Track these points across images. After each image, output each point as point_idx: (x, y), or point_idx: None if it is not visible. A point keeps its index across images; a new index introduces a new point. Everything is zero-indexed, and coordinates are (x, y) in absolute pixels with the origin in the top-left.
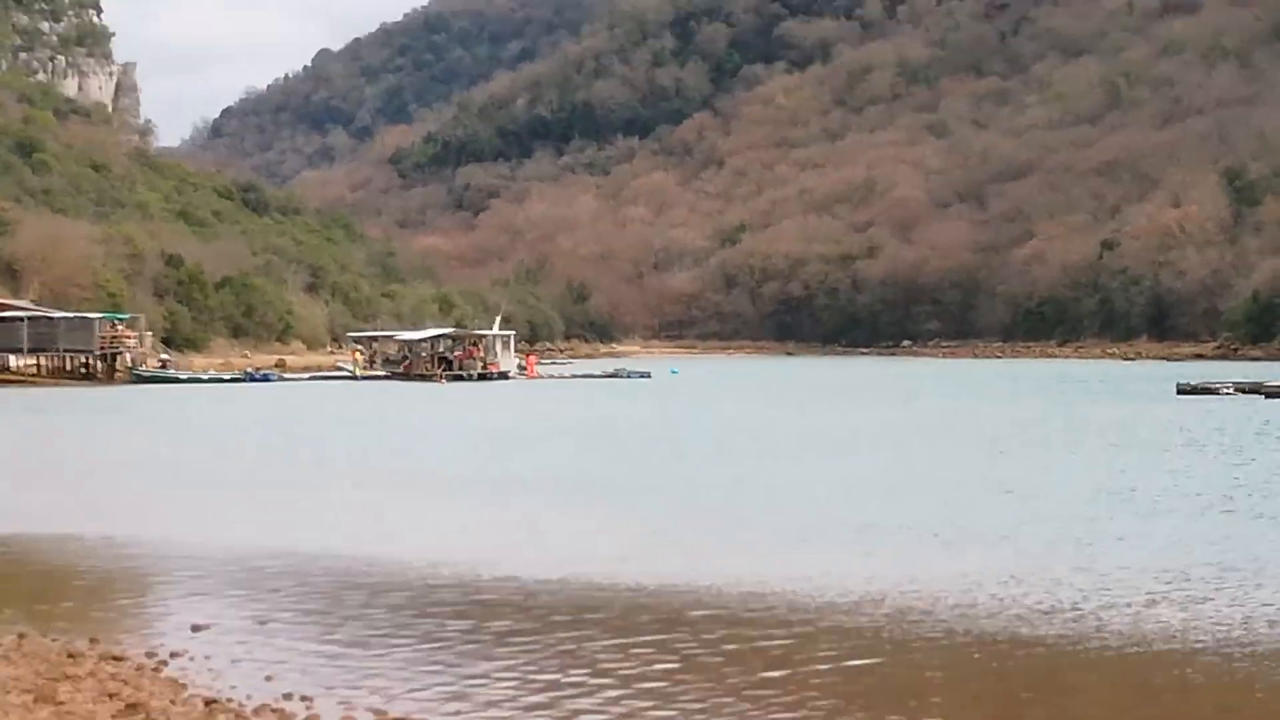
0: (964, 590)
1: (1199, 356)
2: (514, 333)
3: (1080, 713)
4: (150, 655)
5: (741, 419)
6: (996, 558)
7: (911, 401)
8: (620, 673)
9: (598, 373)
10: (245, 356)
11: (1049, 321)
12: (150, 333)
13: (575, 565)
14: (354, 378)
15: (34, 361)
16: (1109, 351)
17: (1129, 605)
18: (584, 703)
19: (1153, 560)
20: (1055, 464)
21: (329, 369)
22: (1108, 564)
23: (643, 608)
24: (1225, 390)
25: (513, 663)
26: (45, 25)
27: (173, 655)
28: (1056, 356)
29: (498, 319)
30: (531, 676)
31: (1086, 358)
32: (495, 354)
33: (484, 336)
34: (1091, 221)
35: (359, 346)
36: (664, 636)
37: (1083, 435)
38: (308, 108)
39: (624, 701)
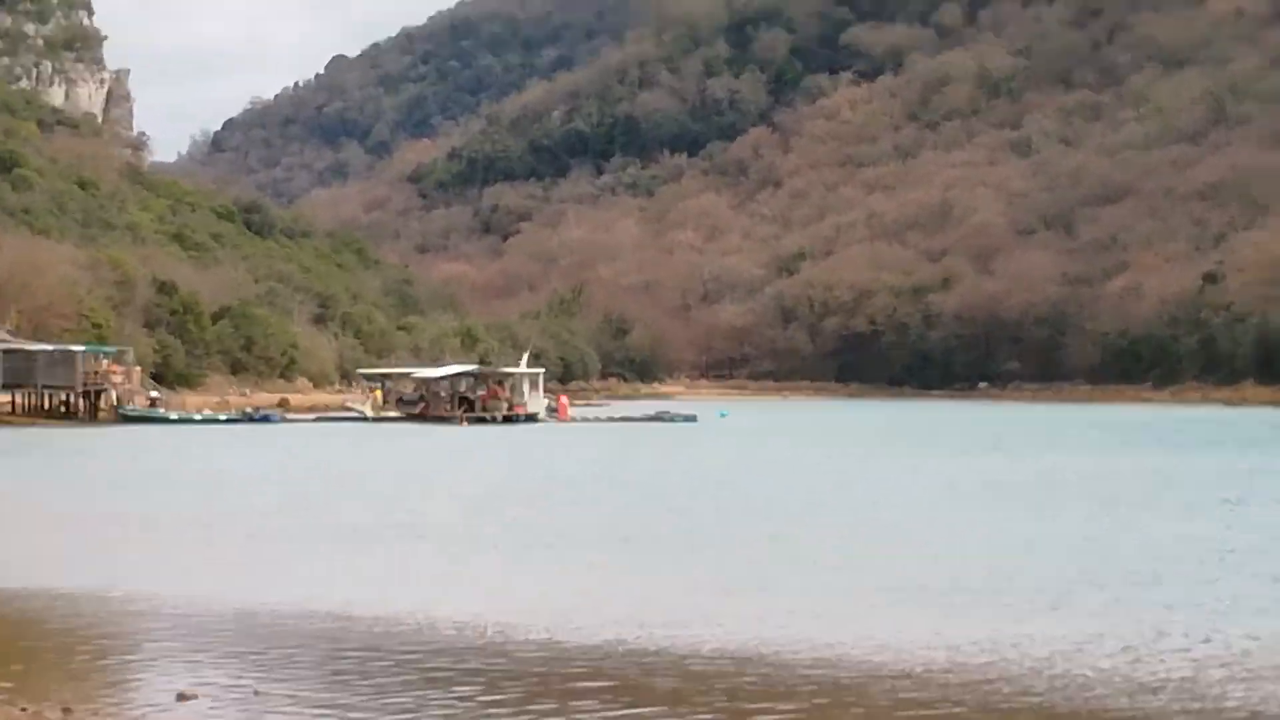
0: (1067, 659)
1: None
2: (544, 370)
3: None
4: None
5: (801, 467)
6: (1105, 623)
7: (1002, 450)
8: None
9: (638, 415)
10: (244, 395)
11: (1144, 362)
12: (139, 368)
13: (609, 628)
14: (364, 419)
15: (9, 399)
16: (1211, 396)
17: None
18: None
19: None
20: (1173, 522)
21: (338, 409)
22: (1237, 633)
23: (695, 676)
24: None
25: None
26: (30, 27)
27: None
28: (1152, 401)
29: (525, 355)
30: None
31: (1185, 402)
32: (523, 394)
33: (510, 375)
34: (1193, 251)
35: (377, 385)
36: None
37: (1198, 488)
38: (319, 120)
39: None
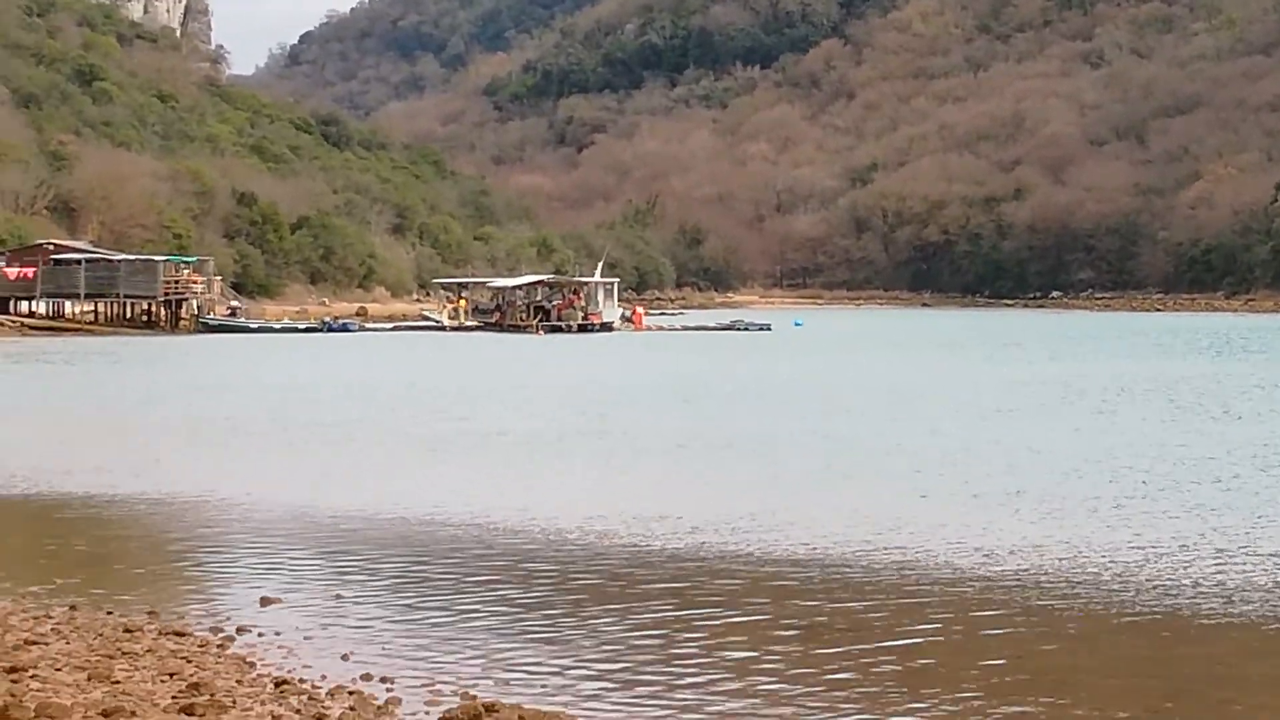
0: (1156, 565)
1: None
2: (618, 280)
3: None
4: (215, 631)
5: (881, 375)
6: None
7: (1079, 357)
8: (729, 651)
9: (712, 325)
10: (323, 304)
11: (1216, 271)
12: (219, 277)
13: (686, 533)
14: (441, 328)
15: (92, 308)
16: None
17: None
18: (689, 685)
19: None
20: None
21: (415, 318)
22: None
23: (762, 576)
24: None
25: (612, 639)
26: None
27: (239, 631)
28: (1224, 310)
29: (600, 265)
30: (633, 655)
31: (1258, 311)
32: (597, 303)
33: (585, 284)
34: (1265, 161)
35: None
36: (767, 613)
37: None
38: (395, 33)
39: (735, 682)
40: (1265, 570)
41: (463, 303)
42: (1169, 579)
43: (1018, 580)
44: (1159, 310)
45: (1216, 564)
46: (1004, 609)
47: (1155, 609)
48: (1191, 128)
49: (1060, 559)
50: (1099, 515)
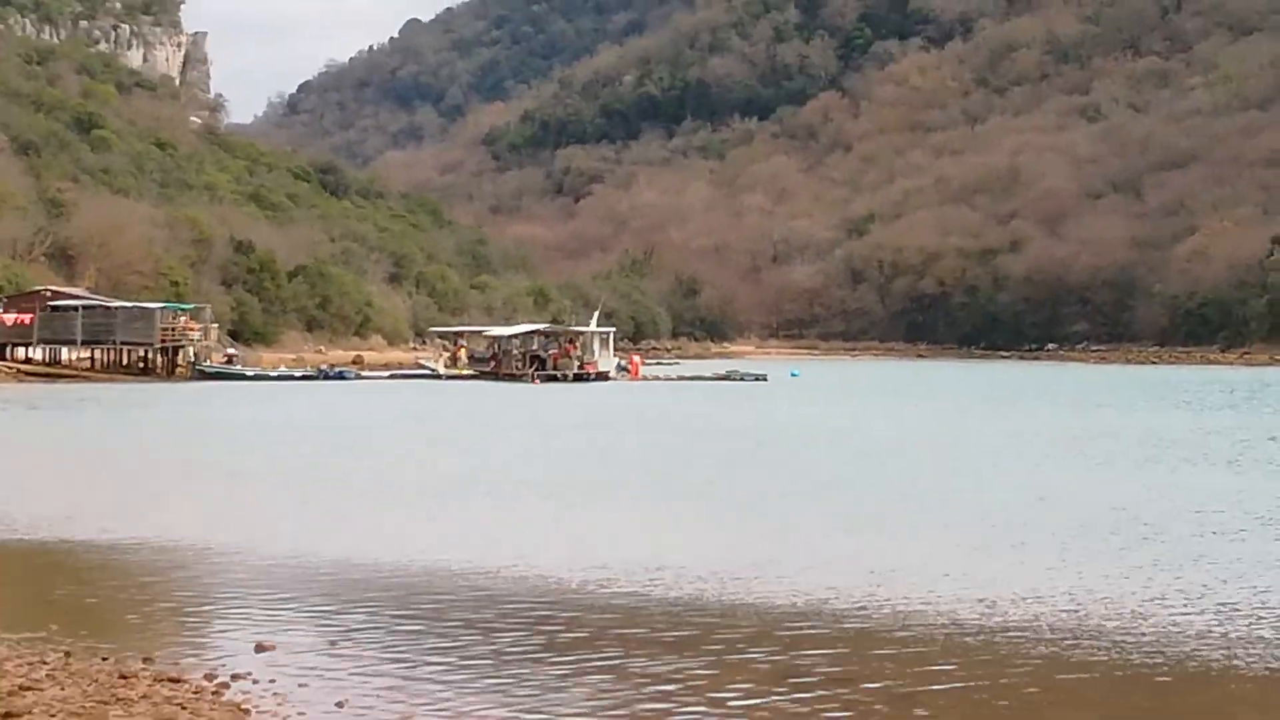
0: (1133, 614)
1: None
2: (614, 330)
3: None
4: (210, 678)
5: (882, 424)
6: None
7: (1093, 409)
8: (726, 700)
9: (708, 374)
10: (319, 352)
11: (1211, 325)
12: (216, 325)
13: (688, 582)
14: (437, 376)
15: (89, 355)
16: (1277, 358)
17: None
18: None
19: None
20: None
21: (410, 366)
22: None
23: (763, 625)
24: None
25: (608, 691)
26: None
27: (234, 678)
28: (1219, 363)
29: (596, 314)
30: (630, 705)
31: (1253, 364)
32: (593, 353)
33: (581, 333)
34: (1260, 215)
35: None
36: (773, 658)
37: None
38: (393, 83)
39: None
40: (1269, 622)
41: (462, 351)
42: (1172, 630)
43: (1019, 631)
44: (1154, 363)
45: (1220, 616)
46: (1004, 660)
47: (1157, 660)
48: (1187, 182)
49: (1063, 610)
50: (1103, 565)
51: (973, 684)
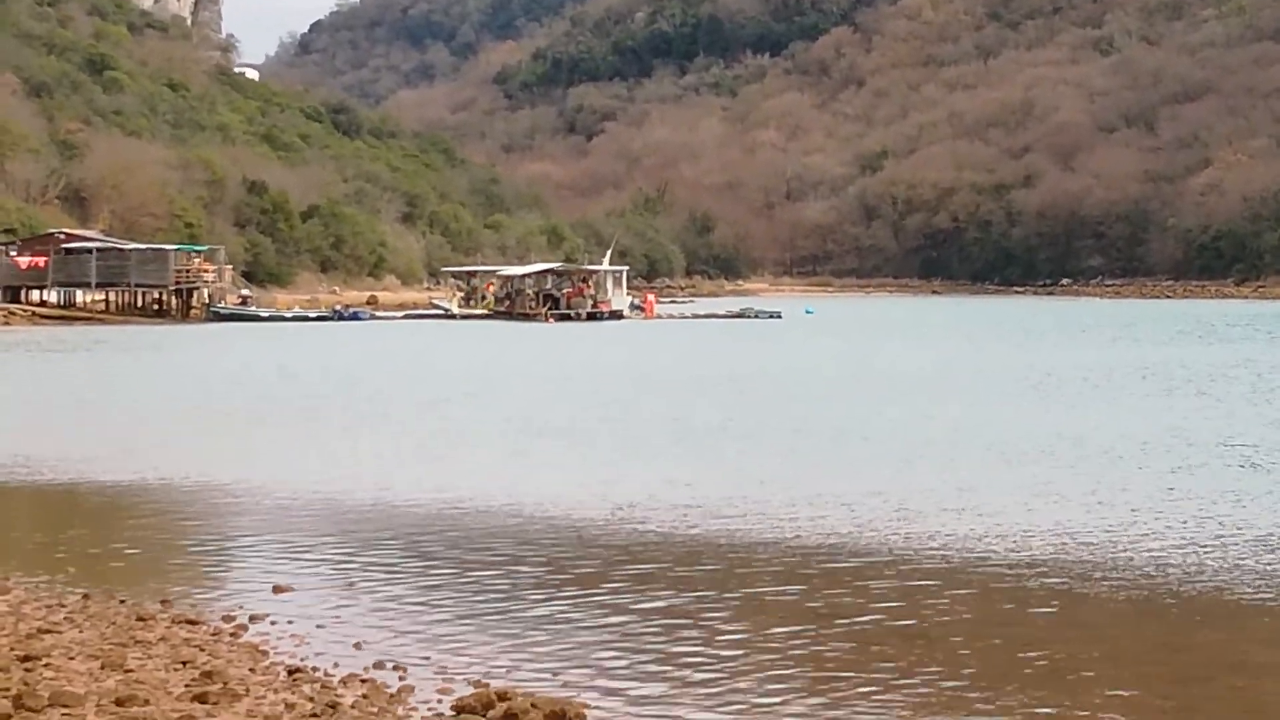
0: (1153, 551)
1: None
2: (627, 268)
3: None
4: (228, 619)
5: (911, 362)
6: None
7: (1114, 345)
8: (741, 634)
9: (722, 312)
10: (334, 292)
11: (1225, 258)
12: (230, 266)
13: (706, 519)
14: (451, 316)
15: (103, 297)
16: None
17: None
18: (703, 672)
19: None
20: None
21: (424, 306)
22: None
23: (779, 561)
24: None
25: (626, 626)
26: None
27: (252, 619)
28: (1234, 297)
29: (609, 253)
30: (647, 645)
31: (1267, 298)
32: (606, 291)
33: (594, 272)
34: (1275, 147)
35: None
36: (782, 599)
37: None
38: (405, 22)
39: (748, 667)
40: None
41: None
42: (1192, 566)
43: (1038, 566)
44: (1169, 297)
45: (1243, 551)
46: (1020, 596)
47: (1173, 596)
48: (1201, 114)
49: (1083, 544)
50: (1126, 502)
51: (984, 617)
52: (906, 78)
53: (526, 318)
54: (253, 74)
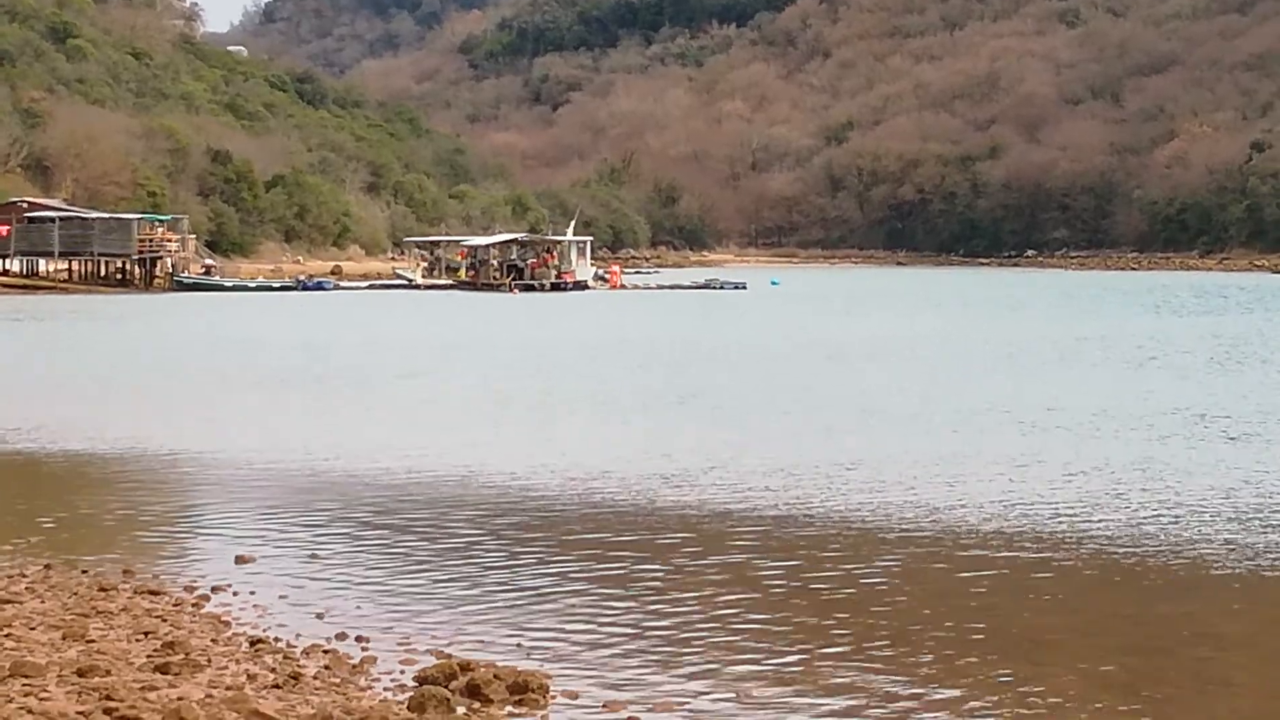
0: (1118, 522)
1: None
2: (591, 239)
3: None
4: (190, 590)
5: (880, 332)
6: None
7: (1081, 317)
8: (707, 608)
9: (688, 283)
10: (298, 262)
11: (1190, 230)
12: (194, 235)
13: (670, 489)
14: (415, 286)
15: (66, 266)
16: (1257, 263)
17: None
18: (666, 643)
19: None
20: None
21: (389, 276)
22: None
23: (746, 531)
24: None
25: (589, 597)
26: None
27: (214, 590)
28: (1199, 268)
29: (573, 223)
30: (610, 615)
31: (1232, 270)
32: (570, 262)
33: (558, 243)
34: (1240, 120)
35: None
36: (745, 568)
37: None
38: None
39: (713, 638)
40: (1251, 528)
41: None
42: (1159, 537)
43: (1004, 538)
44: (1134, 269)
45: (1211, 522)
46: (986, 567)
47: (1139, 568)
48: (1167, 86)
49: (1051, 515)
50: (1100, 474)
51: (947, 589)
52: (872, 49)
53: (490, 288)
54: (240, 49)
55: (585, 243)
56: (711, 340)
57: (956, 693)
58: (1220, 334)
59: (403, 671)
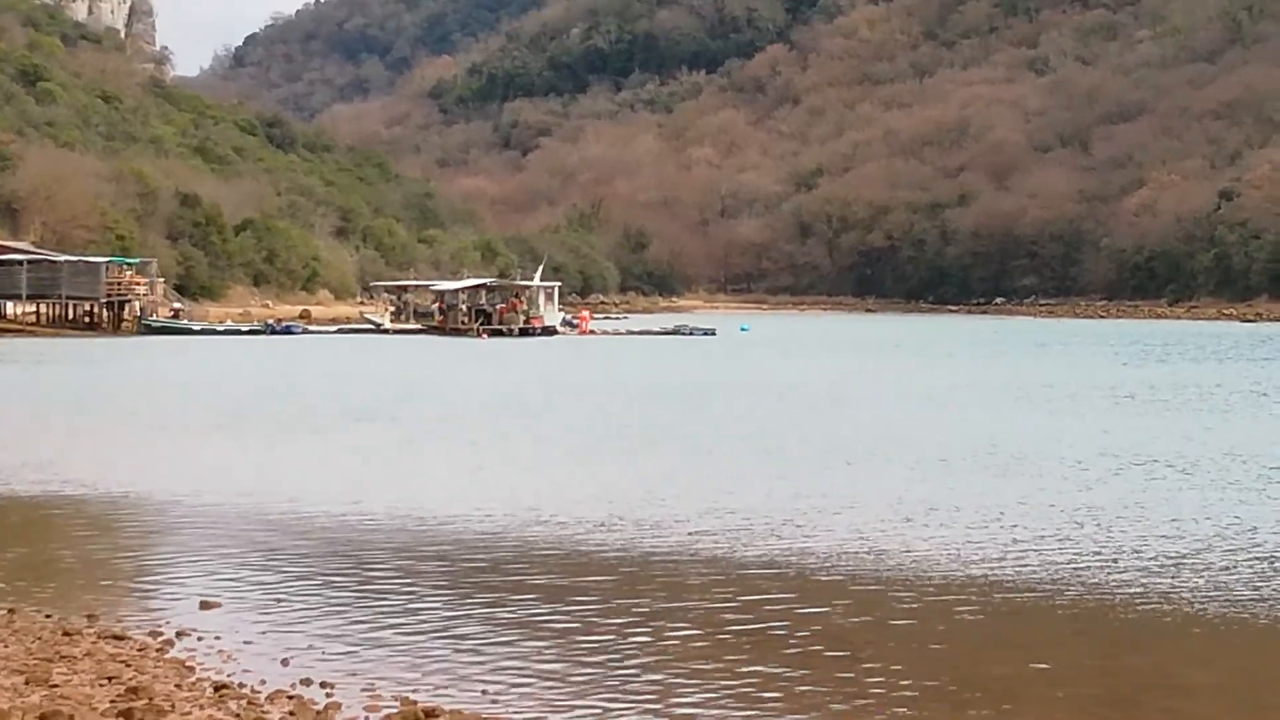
0: (1086, 571)
1: None
2: (559, 284)
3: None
4: (154, 634)
5: (848, 378)
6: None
7: (1037, 363)
8: (673, 648)
9: (657, 329)
10: (266, 306)
11: (1159, 279)
12: (162, 279)
13: (630, 533)
14: (383, 331)
15: (34, 309)
16: (1225, 312)
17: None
18: (641, 686)
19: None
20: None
21: (357, 321)
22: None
23: (705, 575)
24: None
25: (552, 641)
26: None
27: (179, 635)
28: (1167, 317)
29: (540, 268)
30: (575, 658)
31: (1200, 318)
32: (539, 307)
33: (527, 288)
34: (1208, 169)
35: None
36: (708, 613)
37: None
38: (340, 36)
39: (677, 680)
40: (1219, 579)
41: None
42: (1128, 585)
43: (975, 587)
44: (1103, 317)
45: (1172, 572)
46: (957, 616)
47: (1107, 617)
48: (1135, 135)
49: (1019, 566)
50: (1063, 522)
51: (917, 635)
52: (842, 96)
53: (458, 333)
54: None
55: (554, 288)
56: (678, 383)
57: None
58: (1197, 384)
59: (368, 717)
